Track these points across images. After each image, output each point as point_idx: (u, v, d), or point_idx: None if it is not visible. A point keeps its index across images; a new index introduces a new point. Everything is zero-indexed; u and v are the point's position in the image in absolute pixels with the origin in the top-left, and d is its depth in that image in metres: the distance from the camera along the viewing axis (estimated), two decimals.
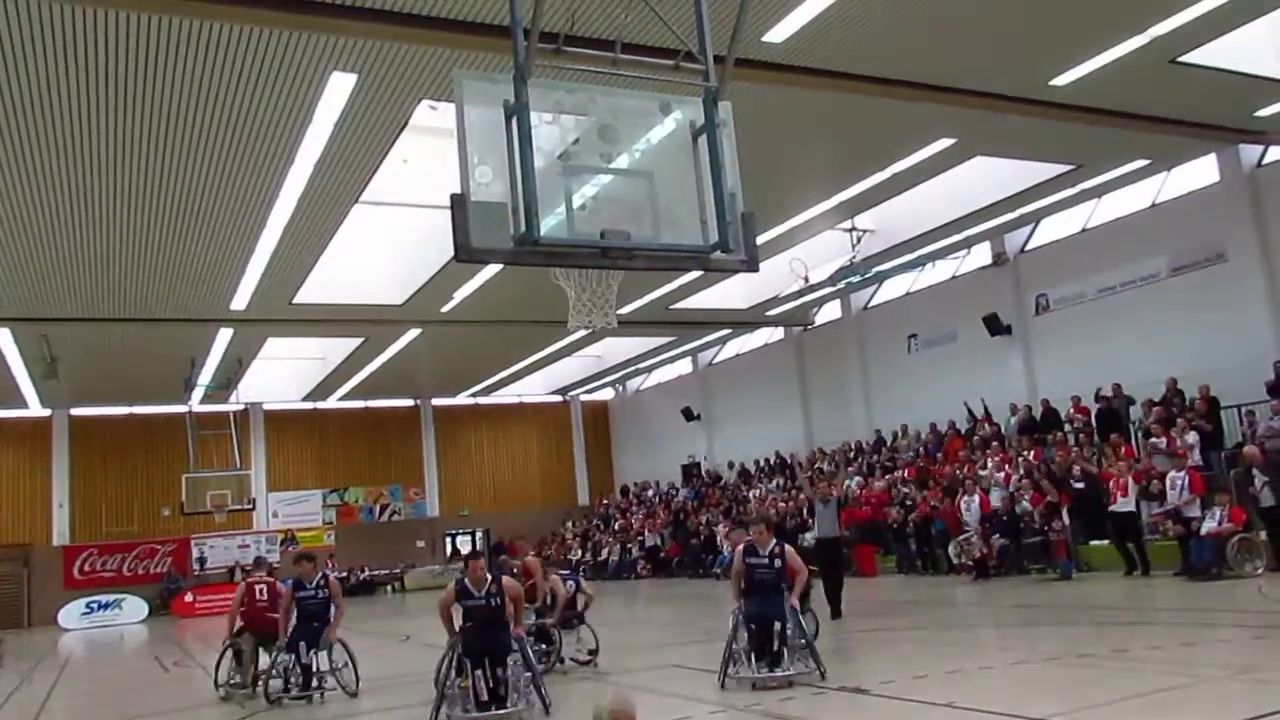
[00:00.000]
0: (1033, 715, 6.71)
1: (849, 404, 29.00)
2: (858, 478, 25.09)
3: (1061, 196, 20.46)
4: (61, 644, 25.38)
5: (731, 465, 33.08)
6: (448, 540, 38.50)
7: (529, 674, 8.45)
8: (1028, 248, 24.11)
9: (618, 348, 34.31)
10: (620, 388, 42.01)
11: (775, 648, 8.56)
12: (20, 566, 33.00)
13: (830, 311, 30.10)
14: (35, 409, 32.83)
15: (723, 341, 34.58)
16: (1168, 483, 15.51)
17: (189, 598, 32.52)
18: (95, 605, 32.18)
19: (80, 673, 18.05)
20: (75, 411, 34.24)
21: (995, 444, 21.33)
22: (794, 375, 31.63)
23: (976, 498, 18.98)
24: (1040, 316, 23.51)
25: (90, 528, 34.12)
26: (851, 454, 27.30)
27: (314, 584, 10.97)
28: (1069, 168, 18.79)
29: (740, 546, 9.37)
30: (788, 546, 9.16)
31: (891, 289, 28.00)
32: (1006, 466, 19.76)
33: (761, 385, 33.02)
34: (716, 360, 36.21)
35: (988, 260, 24.66)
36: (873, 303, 28.91)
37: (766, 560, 8.97)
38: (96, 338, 24.39)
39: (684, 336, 32.36)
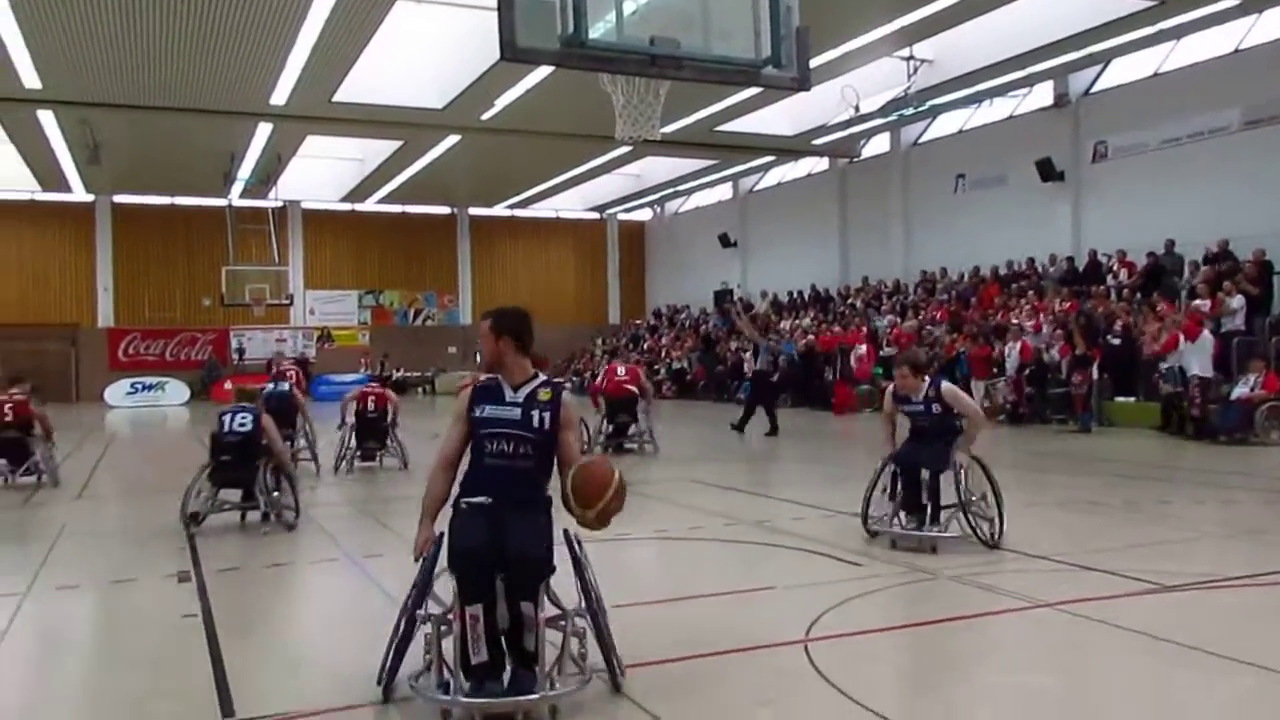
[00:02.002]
0: (1035, 553, 6.89)
1: (888, 241, 28.62)
2: (889, 316, 25.08)
3: (1137, 35, 19.26)
4: (108, 420, 26.44)
5: (764, 295, 33.05)
6: (478, 349, 39.17)
7: None
8: (1092, 90, 23.15)
9: (658, 168, 33.76)
10: (658, 209, 41.63)
11: (924, 501, 7.34)
12: (68, 345, 34.20)
13: (878, 145, 29.34)
14: (79, 194, 33.17)
15: (765, 169, 33.95)
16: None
17: (228, 385, 33.51)
18: (139, 386, 33.24)
19: (126, 446, 18.89)
20: (118, 199, 34.51)
21: (1032, 293, 21.12)
22: (834, 208, 31.14)
23: (1019, 345, 18.84)
24: (1097, 165, 22.79)
25: (134, 312, 35.01)
26: (887, 292, 27.20)
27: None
28: (1150, 3, 17.66)
29: (890, 388, 7.92)
30: (950, 387, 7.63)
31: (943, 125, 27.16)
32: (1039, 316, 19.62)
33: (801, 216, 32.59)
34: (757, 188, 35.65)
35: (1048, 101, 23.74)
36: (923, 139, 28.11)
37: (922, 406, 7.49)
38: (138, 125, 24.35)
39: (726, 160, 31.77)
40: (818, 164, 31.96)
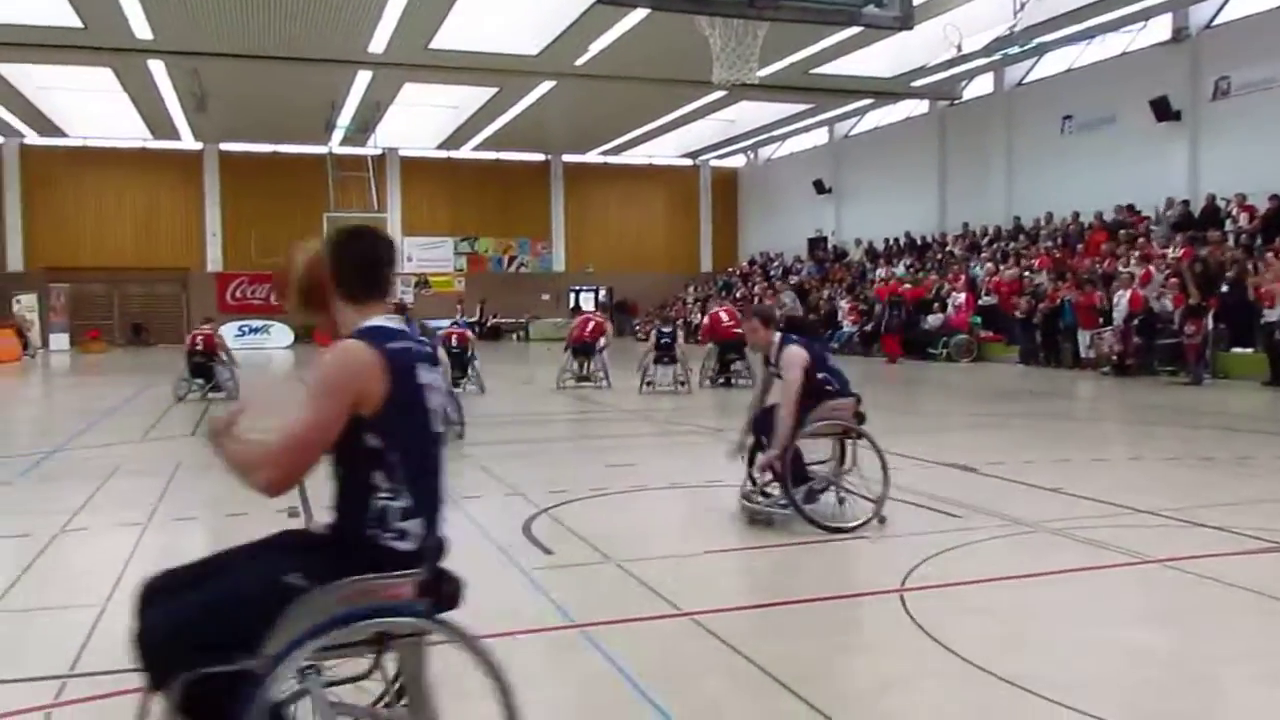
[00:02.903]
0: (1141, 508, 6.70)
1: (989, 187, 27.78)
2: (988, 264, 24.42)
3: None
4: None
5: (859, 242, 32.47)
6: (571, 295, 39.47)
7: None
8: (1214, 23, 21.97)
9: (752, 113, 33.23)
10: (751, 155, 41.08)
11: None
12: (179, 289, 35.65)
13: (980, 86, 28.40)
14: (188, 142, 34.24)
15: (861, 112, 33.19)
16: None
17: None
18: (246, 329, 34.28)
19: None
20: (224, 146, 35.51)
21: (1142, 239, 20.31)
22: (934, 152, 30.32)
23: (1128, 293, 18.15)
24: (1217, 102, 21.68)
25: (241, 257, 36.08)
26: (987, 239, 26.47)
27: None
28: None
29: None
30: (790, 351, 6.40)
31: (1050, 64, 26.13)
32: (1149, 264, 18.87)
33: (898, 161, 31.82)
34: (853, 132, 34.89)
35: (1165, 36, 22.62)
36: (1027, 78, 27.11)
37: (773, 364, 6.69)
38: (243, 74, 24.90)
39: (822, 105, 31.14)
40: (916, 107, 31.11)
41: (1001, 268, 23.68)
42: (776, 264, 36.92)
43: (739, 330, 14.82)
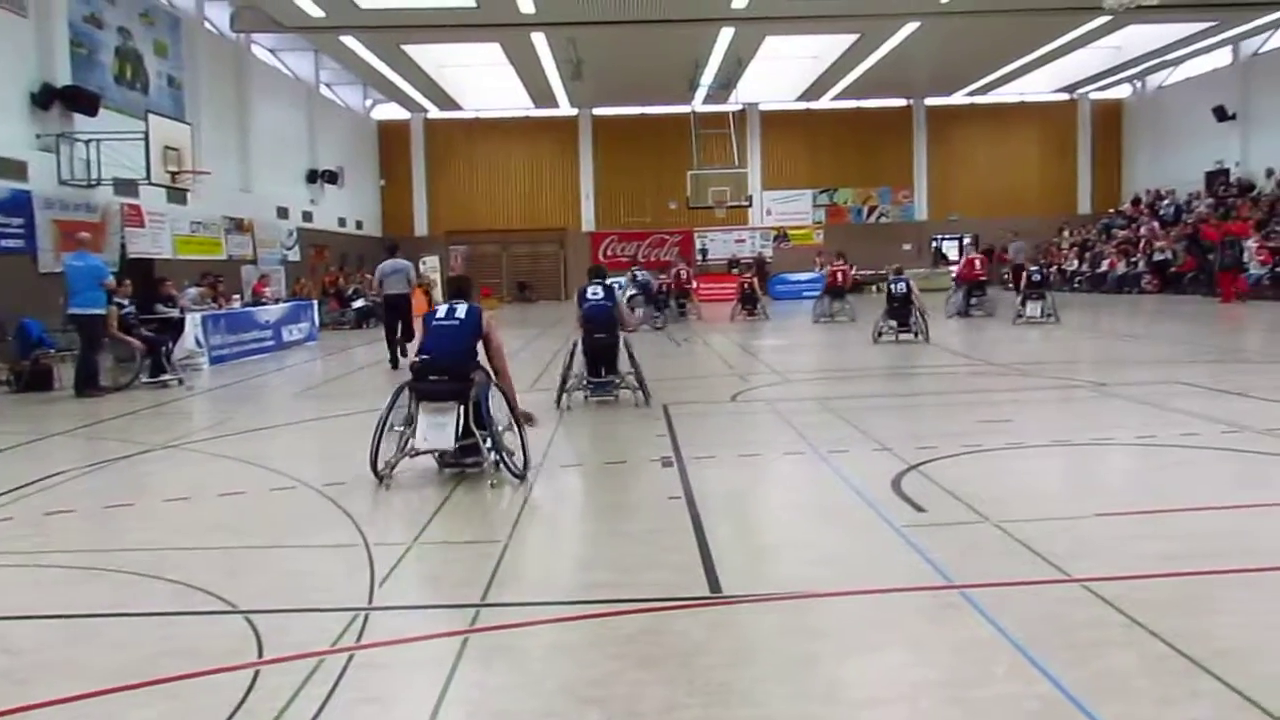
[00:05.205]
0: None
1: None
2: None
3: None
4: None
5: (1270, 173, 28.59)
6: (933, 244, 38.05)
7: None
8: None
9: (1142, 36, 29.97)
10: (1139, 84, 37.26)
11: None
12: (558, 248, 38.37)
13: None
14: (565, 108, 36.68)
15: (1275, 26, 28.96)
16: None
17: (693, 285, 35.57)
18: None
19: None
20: (597, 111, 37.64)
21: None
22: None
23: None
24: None
25: (611, 216, 38.29)
26: None
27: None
28: None
29: None
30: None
31: None
32: None
33: None
34: (1263, 49, 30.60)
35: None
36: None
37: None
38: (614, 40, 26.21)
39: (1226, 21, 27.52)
40: None
41: None
42: (1167, 202, 33.40)
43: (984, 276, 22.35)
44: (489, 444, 6.61)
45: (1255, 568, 4.39)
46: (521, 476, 6.64)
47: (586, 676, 3.52)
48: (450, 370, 6.71)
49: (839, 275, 22.45)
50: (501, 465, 6.65)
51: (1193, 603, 4.04)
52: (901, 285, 16.56)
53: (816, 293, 24.23)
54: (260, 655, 3.75)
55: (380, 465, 6.58)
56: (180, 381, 13.48)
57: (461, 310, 7.05)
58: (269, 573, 4.92)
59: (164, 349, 13.67)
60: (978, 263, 22.50)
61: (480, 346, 7.03)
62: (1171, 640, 3.56)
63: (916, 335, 16.10)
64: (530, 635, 3.94)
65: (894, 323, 16.23)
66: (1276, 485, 6.13)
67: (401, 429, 6.68)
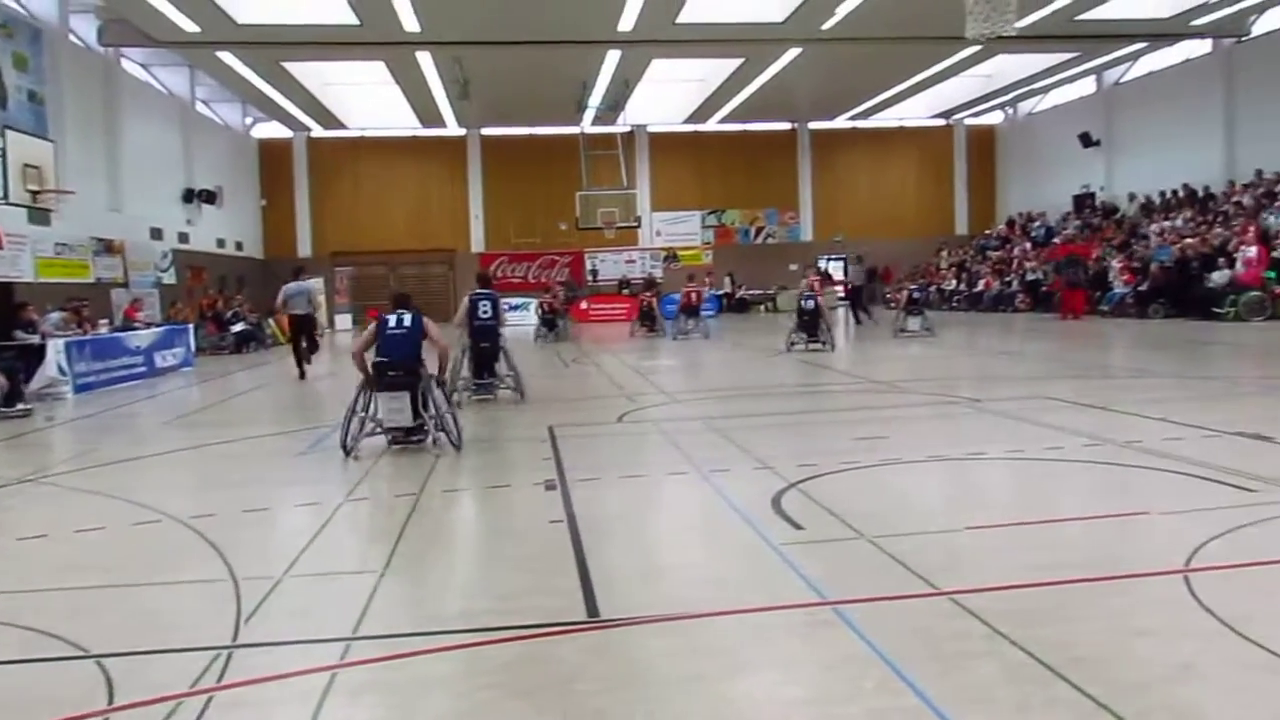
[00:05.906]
0: None
1: None
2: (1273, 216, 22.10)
3: None
4: None
5: (1133, 197, 30.12)
6: (820, 264, 38.89)
7: None
8: None
9: (1011, 66, 31.42)
10: (1010, 110, 38.91)
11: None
12: (447, 269, 37.95)
13: (1271, 20, 25.51)
14: (453, 128, 36.35)
15: (1134, 58, 30.66)
16: None
17: (584, 305, 35.62)
18: (507, 305, 35.81)
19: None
20: (485, 131, 37.44)
21: None
22: (1218, 96, 27.62)
23: None
24: None
25: (501, 237, 38.06)
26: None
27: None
28: None
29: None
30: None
31: None
32: None
33: (1176, 107, 29.23)
34: (1124, 79, 32.31)
35: None
36: None
37: None
38: (502, 60, 26.15)
39: (1089, 52, 29.00)
40: (1197, 48, 28.43)
41: None
42: (1038, 224, 34.86)
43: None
44: (434, 423, 8.61)
45: (1116, 575, 4.56)
46: (459, 446, 8.57)
47: (459, 708, 3.45)
48: (403, 366, 8.71)
49: (692, 295, 24.35)
50: (446, 438, 8.57)
51: (1054, 612, 4.17)
52: (811, 302, 18.42)
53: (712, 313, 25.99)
54: (110, 702, 3.56)
55: (348, 441, 8.44)
56: (30, 412, 12.83)
57: (408, 319, 9.01)
58: (126, 613, 4.68)
59: (18, 377, 13.00)
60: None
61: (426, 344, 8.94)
62: (1031, 649, 3.66)
63: (824, 345, 18.22)
64: (401, 667, 3.84)
65: (804, 335, 18.37)
66: (1137, 495, 6.39)
67: (363, 414, 8.64)
